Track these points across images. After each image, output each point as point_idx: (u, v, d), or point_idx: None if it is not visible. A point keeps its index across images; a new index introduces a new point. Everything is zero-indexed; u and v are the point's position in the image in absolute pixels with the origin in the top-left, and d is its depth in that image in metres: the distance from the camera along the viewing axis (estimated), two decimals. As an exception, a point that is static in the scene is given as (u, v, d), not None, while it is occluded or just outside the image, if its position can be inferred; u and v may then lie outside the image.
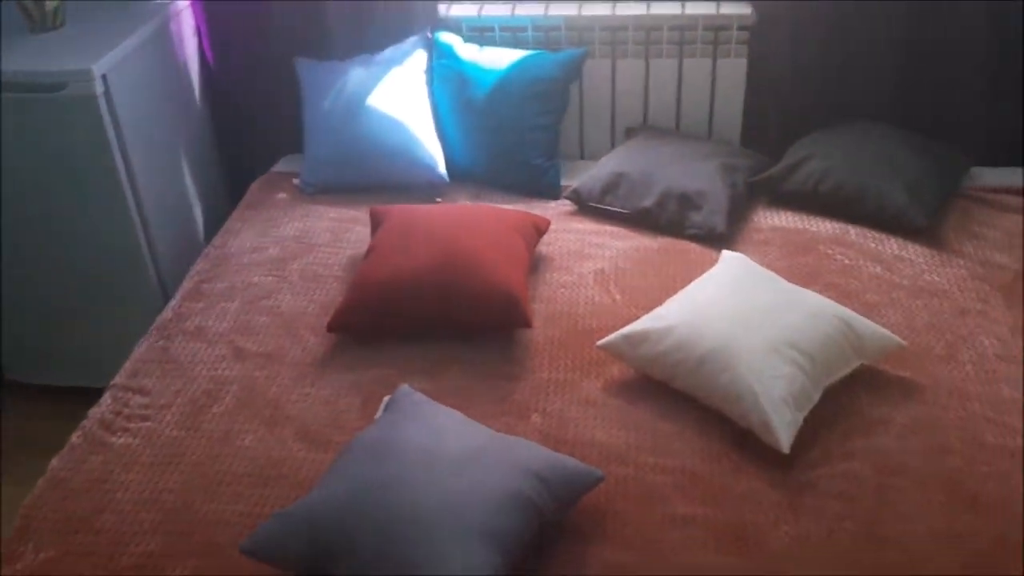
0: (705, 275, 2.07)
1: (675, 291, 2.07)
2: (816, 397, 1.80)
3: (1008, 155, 2.73)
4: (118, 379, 2.03)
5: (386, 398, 1.86)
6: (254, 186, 2.77)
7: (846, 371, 1.87)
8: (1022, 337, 2.02)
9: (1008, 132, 2.73)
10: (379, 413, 1.84)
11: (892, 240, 2.37)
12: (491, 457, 1.56)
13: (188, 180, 2.82)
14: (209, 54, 2.91)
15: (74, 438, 1.87)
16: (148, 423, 1.91)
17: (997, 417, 1.83)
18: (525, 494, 1.49)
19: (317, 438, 1.86)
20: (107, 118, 2.37)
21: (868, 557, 1.56)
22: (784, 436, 1.70)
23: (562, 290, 2.25)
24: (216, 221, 2.83)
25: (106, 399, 1.97)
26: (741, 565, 1.56)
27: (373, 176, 2.66)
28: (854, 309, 1.99)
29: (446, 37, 2.73)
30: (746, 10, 2.67)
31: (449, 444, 1.58)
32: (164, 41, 2.67)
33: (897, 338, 1.93)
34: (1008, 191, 2.53)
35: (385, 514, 1.46)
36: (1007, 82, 2.70)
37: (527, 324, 2.05)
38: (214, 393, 1.99)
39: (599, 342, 1.95)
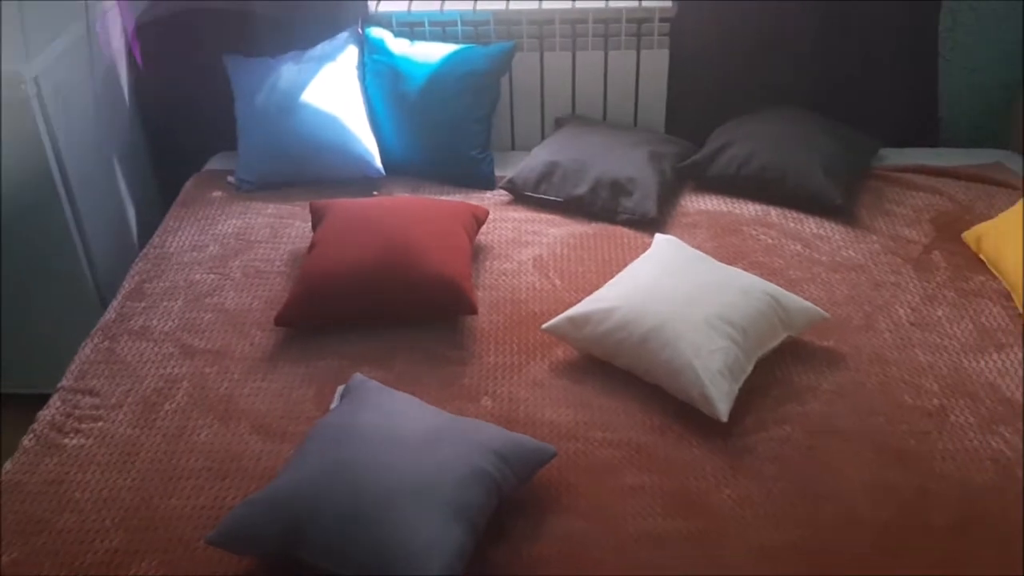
0: (640, 258, 2.17)
1: (611, 274, 2.17)
2: (749, 368, 1.92)
3: (912, 137, 2.91)
4: (65, 381, 2.02)
5: (340, 387, 1.90)
6: (188, 184, 2.76)
7: (775, 343, 1.99)
8: (932, 305, 2.18)
9: (912, 116, 2.92)
10: (334, 402, 1.88)
11: (811, 219, 2.51)
12: (451, 437, 1.62)
13: (120, 180, 2.79)
14: (137, 54, 2.89)
15: (25, 441, 1.87)
16: (100, 423, 1.92)
17: (913, 380, 1.98)
18: (486, 471, 1.56)
19: (273, 430, 1.89)
20: (40, 121, 2.34)
21: (804, 512, 1.68)
22: (722, 406, 1.81)
23: (503, 277, 2.32)
24: (148, 221, 2.82)
25: (55, 401, 1.97)
26: (688, 527, 1.66)
27: (309, 172, 2.68)
28: (778, 285, 2.11)
29: (377, 32, 2.76)
30: (667, 3, 2.78)
31: (409, 427, 1.64)
32: (92, 42, 2.64)
33: (820, 311, 2.06)
34: (914, 170, 2.71)
35: (352, 495, 1.51)
36: (911, 71, 2.88)
37: (472, 311, 2.12)
38: (165, 391, 2.00)
39: (544, 325, 2.03)
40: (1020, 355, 2.02)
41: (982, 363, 2.01)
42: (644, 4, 2.77)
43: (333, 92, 2.68)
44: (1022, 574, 1.55)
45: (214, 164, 2.89)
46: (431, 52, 2.71)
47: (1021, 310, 2.13)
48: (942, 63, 2.90)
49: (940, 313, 2.16)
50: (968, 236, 2.36)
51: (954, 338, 2.08)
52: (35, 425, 1.91)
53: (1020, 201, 2.35)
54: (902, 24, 2.83)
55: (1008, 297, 2.19)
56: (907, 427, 1.86)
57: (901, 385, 1.96)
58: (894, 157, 2.79)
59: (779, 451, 1.80)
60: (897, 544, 1.61)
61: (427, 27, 2.82)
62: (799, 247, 2.40)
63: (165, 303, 2.26)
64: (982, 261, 2.30)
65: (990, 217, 2.41)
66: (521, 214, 2.56)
